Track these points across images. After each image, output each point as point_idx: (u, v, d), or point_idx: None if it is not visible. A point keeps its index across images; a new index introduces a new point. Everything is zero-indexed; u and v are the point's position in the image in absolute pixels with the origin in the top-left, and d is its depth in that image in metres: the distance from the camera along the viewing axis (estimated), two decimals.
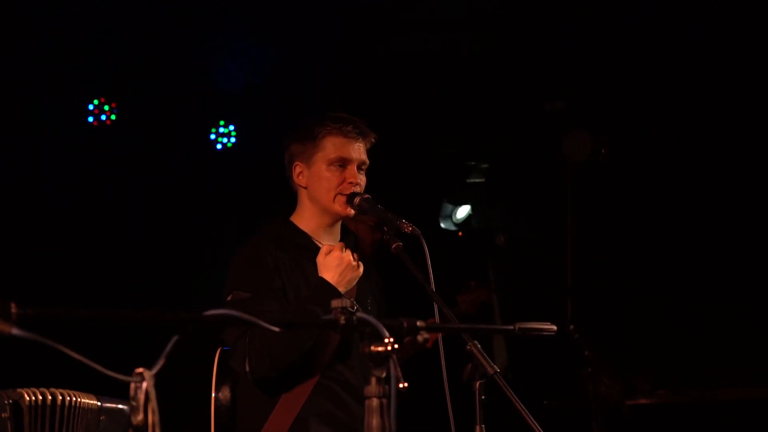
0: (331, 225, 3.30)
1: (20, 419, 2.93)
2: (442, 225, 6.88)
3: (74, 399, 3.07)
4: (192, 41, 5.57)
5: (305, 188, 3.28)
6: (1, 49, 5.30)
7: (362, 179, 3.26)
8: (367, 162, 3.28)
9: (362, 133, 3.27)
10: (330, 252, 3.08)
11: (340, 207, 3.22)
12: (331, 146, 3.24)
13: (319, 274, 3.06)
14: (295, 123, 3.38)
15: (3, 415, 2.89)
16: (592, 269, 6.50)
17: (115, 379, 1.57)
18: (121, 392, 2.91)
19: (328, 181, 3.22)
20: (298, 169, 3.29)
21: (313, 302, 2.98)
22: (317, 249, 3.23)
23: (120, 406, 3.20)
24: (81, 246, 5.75)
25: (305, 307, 3.00)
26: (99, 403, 3.14)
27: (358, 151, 3.25)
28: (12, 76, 5.42)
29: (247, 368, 3.01)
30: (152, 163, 5.96)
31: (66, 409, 3.04)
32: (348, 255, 3.06)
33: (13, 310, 1.47)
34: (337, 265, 3.05)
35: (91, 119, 5.77)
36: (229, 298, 3.09)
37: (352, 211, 3.21)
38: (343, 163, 3.23)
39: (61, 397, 3.03)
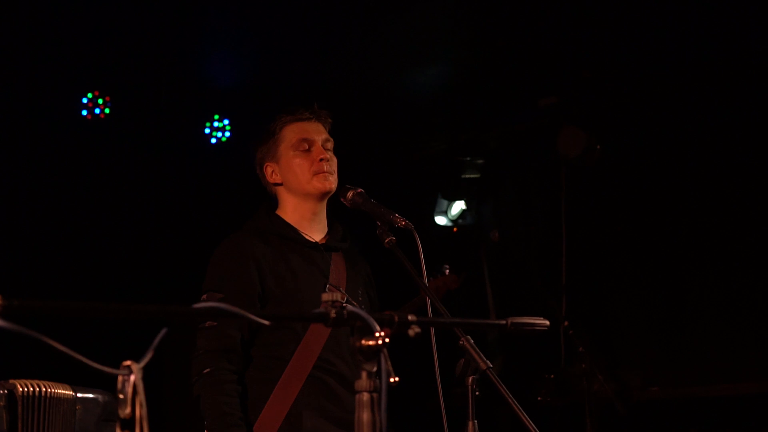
0: (316, 212, 3.30)
1: (15, 409, 2.95)
2: (437, 220, 6.88)
3: (50, 390, 3.08)
4: (187, 34, 5.55)
5: (281, 184, 3.31)
6: None
7: (332, 158, 3.28)
8: (332, 140, 3.32)
9: (315, 113, 3.34)
10: None
11: (318, 184, 3.25)
12: (291, 133, 3.29)
13: None
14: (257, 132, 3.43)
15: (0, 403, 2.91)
16: (585, 266, 6.50)
17: (102, 371, 1.55)
18: (98, 383, 2.95)
19: (299, 165, 3.26)
20: (269, 170, 3.32)
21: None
22: (303, 241, 3.24)
23: (95, 395, 3.21)
24: (73, 239, 5.73)
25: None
26: (74, 393, 3.15)
27: (318, 130, 3.31)
28: (6, 69, 5.41)
29: (193, 380, 3.10)
30: (146, 157, 5.96)
31: (44, 400, 3.05)
32: None
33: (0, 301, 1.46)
34: None
35: (84, 113, 5.76)
36: (203, 298, 3.11)
37: (333, 185, 3.23)
38: (307, 144, 3.26)
39: (38, 388, 3.04)
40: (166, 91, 5.88)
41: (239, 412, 3.06)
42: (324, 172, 3.23)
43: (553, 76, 6.03)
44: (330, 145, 3.32)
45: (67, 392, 3.13)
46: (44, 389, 3.05)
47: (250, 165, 5.85)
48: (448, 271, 5.18)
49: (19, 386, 2.98)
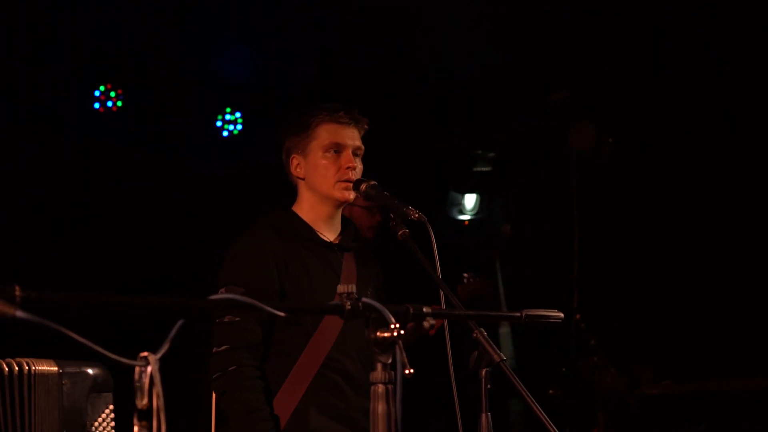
0: (332, 215, 3.29)
1: (12, 388, 2.94)
2: (451, 214, 6.87)
3: (32, 367, 3.01)
4: (199, 28, 5.56)
5: (303, 179, 3.28)
6: (7, 36, 5.29)
7: (359, 165, 3.26)
8: (362, 148, 3.29)
9: (354, 119, 3.28)
10: None
11: (339, 193, 3.21)
12: (325, 133, 3.24)
13: None
14: (288, 116, 3.39)
15: None
16: (596, 260, 6.49)
17: (119, 362, 1.56)
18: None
19: (325, 168, 3.22)
20: (295, 162, 3.29)
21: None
22: (318, 240, 3.23)
23: (83, 369, 3.13)
24: (86, 232, 5.75)
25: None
26: (58, 369, 3.07)
27: (352, 136, 3.26)
28: (18, 62, 5.42)
29: (213, 377, 3.07)
30: (158, 150, 5.96)
31: (25, 378, 2.99)
32: None
33: (18, 293, 1.47)
34: None
35: (97, 105, 5.77)
36: (222, 291, 3.09)
37: (352, 196, 3.21)
38: (338, 149, 3.23)
39: (25, 367, 2.99)
40: (177, 84, 5.88)
41: (267, 407, 3.05)
42: (348, 181, 3.21)
43: (565, 70, 6.02)
44: (360, 152, 3.28)
45: (51, 368, 3.06)
46: (25, 367, 2.99)
47: (261, 158, 5.86)
48: (471, 278, 5.12)
49: (15, 365, 2.94)
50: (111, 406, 3.14)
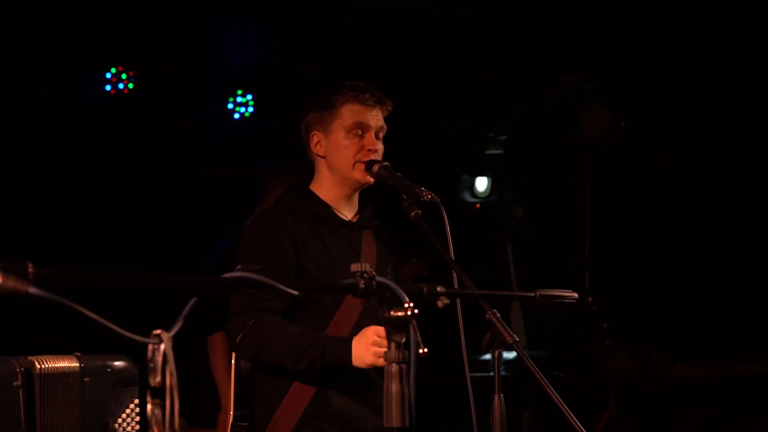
0: (351, 194, 3.27)
1: (31, 388, 2.86)
2: (461, 197, 6.86)
3: (53, 364, 2.94)
4: (210, 9, 5.54)
5: (323, 157, 3.25)
6: (18, 19, 5.29)
7: (380, 146, 3.24)
8: (385, 129, 3.26)
9: (379, 101, 3.24)
10: (375, 340, 2.98)
11: (359, 174, 3.19)
12: (349, 113, 3.21)
13: (354, 339, 3.00)
14: (311, 93, 3.36)
15: (14, 383, 2.82)
16: (608, 242, 6.48)
17: (132, 340, 1.55)
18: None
19: (346, 148, 3.19)
20: (315, 139, 3.26)
21: (324, 342, 2.96)
22: (336, 219, 3.21)
23: (107, 362, 3.08)
24: (99, 213, 5.76)
25: (312, 338, 2.98)
26: (80, 365, 3.00)
27: (376, 118, 3.23)
28: (29, 44, 5.42)
29: (237, 340, 3.02)
30: (170, 132, 5.95)
31: (47, 378, 2.92)
32: (379, 361, 2.95)
33: (30, 269, 1.47)
34: (364, 356, 2.98)
35: (108, 87, 5.76)
36: (237, 268, 3.06)
37: (372, 179, 3.19)
38: (361, 130, 3.20)
39: (45, 364, 2.92)
40: (189, 66, 5.87)
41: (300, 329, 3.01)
42: (365, 163, 3.19)
43: (577, 53, 5.99)
44: (382, 134, 3.25)
45: (71, 365, 2.99)
46: (44, 364, 2.91)
47: (273, 140, 5.85)
48: (414, 259, 5.21)
49: (37, 363, 2.86)
50: (136, 400, 3.10)
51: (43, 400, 2.89)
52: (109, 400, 3.06)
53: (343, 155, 3.19)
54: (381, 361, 2.64)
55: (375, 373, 3.08)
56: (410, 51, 5.93)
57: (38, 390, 2.88)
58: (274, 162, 4.83)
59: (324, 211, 3.22)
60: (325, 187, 3.26)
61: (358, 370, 3.00)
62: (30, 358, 2.90)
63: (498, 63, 6.10)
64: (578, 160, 6.47)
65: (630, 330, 6.18)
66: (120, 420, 3.08)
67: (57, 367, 2.94)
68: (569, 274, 6.51)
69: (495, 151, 6.81)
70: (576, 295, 2.40)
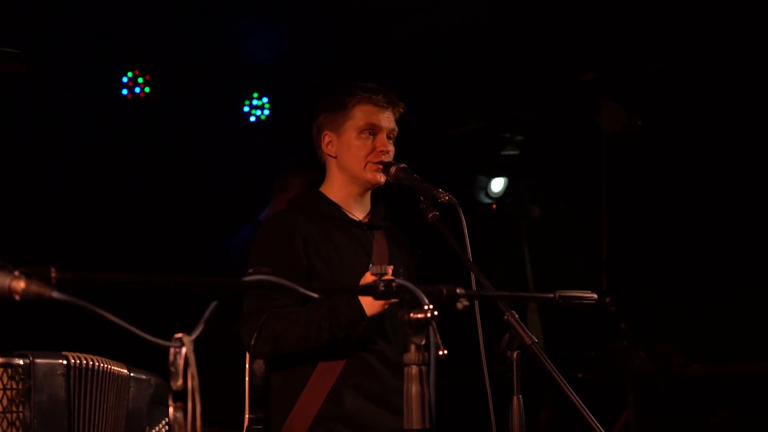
0: (361, 194, 3.28)
1: (69, 379, 3.02)
2: (477, 198, 6.85)
3: (107, 366, 3.14)
4: (226, 12, 5.55)
5: (335, 158, 3.27)
6: (34, 23, 5.31)
7: (391, 148, 3.25)
8: (397, 130, 3.27)
9: (392, 102, 3.26)
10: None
11: (370, 175, 3.20)
12: (361, 114, 3.23)
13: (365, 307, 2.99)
14: (324, 93, 3.37)
15: (59, 372, 2.97)
16: (626, 242, 6.46)
17: (154, 343, 1.56)
18: (147, 362, 2.98)
19: (358, 149, 3.21)
20: (327, 139, 3.27)
21: (334, 307, 2.97)
22: (347, 219, 3.22)
23: (147, 376, 3.27)
24: (115, 217, 5.78)
25: (328, 305, 2.99)
26: (128, 372, 3.21)
27: (388, 119, 3.24)
28: (46, 49, 5.44)
29: (252, 342, 3.03)
30: (186, 136, 5.97)
31: (100, 374, 3.11)
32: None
33: (53, 274, 1.48)
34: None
35: (125, 92, 5.78)
36: (249, 272, 3.07)
37: (383, 179, 3.20)
38: (373, 131, 3.21)
39: (94, 363, 3.11)
40: (205, 69, 5.89)
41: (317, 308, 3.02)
42: (380, 163, 3.19)
43: (594, 51, 5.97)
44: (394, 134, 3.27)
45: (122, 370, 3.19)
46: (99, 364, 3.11)
47: (289, 143, 5.87)
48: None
49: (71, 358, 3.04)
50: (167, 419, 3.22)
51: (96, 395, 3.09)
52: (147, 412, 3.25)
53: (354, 155, 3.21)
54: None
55: (389, 373, 3.09)
56: (426, 51, 5.93)
57: (93, 385, 3.09)
58: (292, 159, 4.86)
59: (334, 211, 3.23)
60: (336, 188, 3.27)
61: (370, 368, 3.02)
62: (90, 356, 3.11)
63: (514, 63, 6.09)
64: (595, 159, 6.45)
65: (649, 330, 6.17)
66: (155, 431, 3.20)
67: (112, 369, 3.16)
68: (586, 274, 6.49)
69: (511, 152, 6.80)
70: (595, 295, 2.39)
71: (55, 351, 3.06)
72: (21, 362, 2.90)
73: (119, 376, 3.16)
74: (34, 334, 3.98)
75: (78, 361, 3.05)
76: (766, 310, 5.93)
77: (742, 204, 6.04)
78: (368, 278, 2.81)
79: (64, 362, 3.01)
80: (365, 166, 3.20)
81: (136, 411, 3.21)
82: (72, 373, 3.02)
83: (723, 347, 6.03)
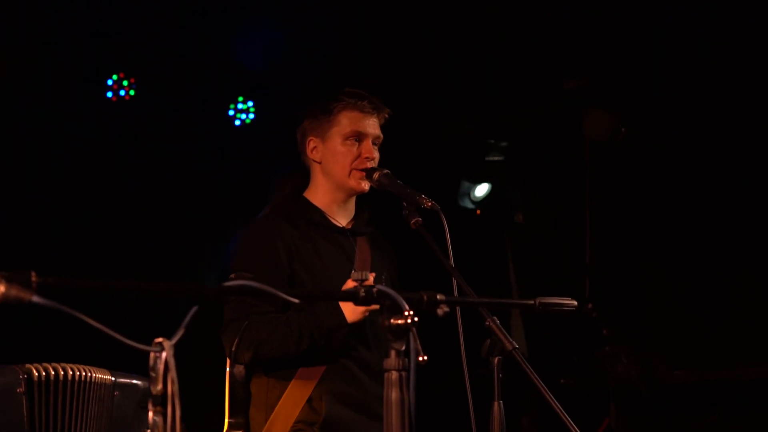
0: (345, 201, 3.29)
1: (32, 395, 2.91)
2: (461, 203, 6.86)
3: (86, 374, 3.06)
4: (211, 16, 5.55)
5: (319, 163, 3.27)
6: (19, 24, 5.30)
7: (376, 154, 3.25)
8: (382, 137, 3.28)
9: (377, 108, 3.26)
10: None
11: (354, 182, 3.21)
12: (347, 121, 3.23)
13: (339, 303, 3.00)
14: (308, 98, 3.37)
15: (18, 390, 2.88)
16: (610, 248, 6.48)
17: (134, 348, 1.56)
18: (135, 366, 2.93)
19: (343, 156, 3.21)
20: (312, 144, 3.27)
21: (315, 314, 2.97)
22: (330, 225, 3.22)
23: (134, 381, 3.19)
24: (98, 222, 5.76)
25: (307, 311, 2.99)
26: (113, 378, 3.14)
27: (373, 126, 3.25)
28: (30, 51, 5.42)
29: (233, 348, 3.02)
30: (171, 139, 5.97)
31: (77, 384, 3.02)
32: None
33: (33, 278, 1.48)
34: (355, 306, 2.98)
35: (110, 95, 5.77)
36: (231, 277, 3.07)
37: (367, 186, 3.20)
38: (358, 137, 3.22)
39: (72, 372, 3.02)
40: (190, 73, 5.88)
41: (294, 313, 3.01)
42: (365, 170, 3.19)
43: (578, 58, 5.99)
44: (379, 141, 3.27)
45: (105, 377, 3.11)
46: (75, 372, 3.02)
47: (274, 147, 5.86)
48: None
49: (34, 371, 2.93)
50: None
51: (77, 406, 3.00)
52: (134, 417, 3.16)
53: (340, 162, 3.21)
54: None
55: (368, 378, 3.09)
56: (411, 56, 5.94)
57: (73, 397, 3.00)
58: (291, 164, 4.86)
59: (317, 217, 3.23)
60: (320, 193, 3.27)
61: (349, 374, 3.02)
62: (69, 365, 3.01)
63: (498, 68, 6.10)
64: (580, 165, 6.47)
65: (633, 336, 6.18)
66: None
67: (93, 377, 3.06)
68: (570, 280, 6.51)
69: (495, 158, 6.82)
70: (575, 302, 2.41)
71: (24, 363, 2.95)
72: None
73: (101, 384, 3.09)
74: (19, 343, 3.96)
75: (44, 374, 2.94)
76: (752, 315, 5.96)
77: (729, 209, 6.06)
78: (350, 285, 2.81)
79: (24, 377, 2.89)
80: (350, 173, 3.20)
81: (121, 418, 3.14)
82: (35, 389, 2.91)
83: (707, 353, 6.05)
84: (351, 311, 2.95)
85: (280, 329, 3.00)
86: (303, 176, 3.40)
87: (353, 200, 3.32)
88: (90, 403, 3.05)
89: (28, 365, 2.95)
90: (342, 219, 3.28)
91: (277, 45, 5.81)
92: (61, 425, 2.98)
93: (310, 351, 3.00)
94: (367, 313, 2.94)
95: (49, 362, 3.02)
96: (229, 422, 3.17)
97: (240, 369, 3.20)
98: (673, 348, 6.13)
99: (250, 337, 3.00)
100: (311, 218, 3.22)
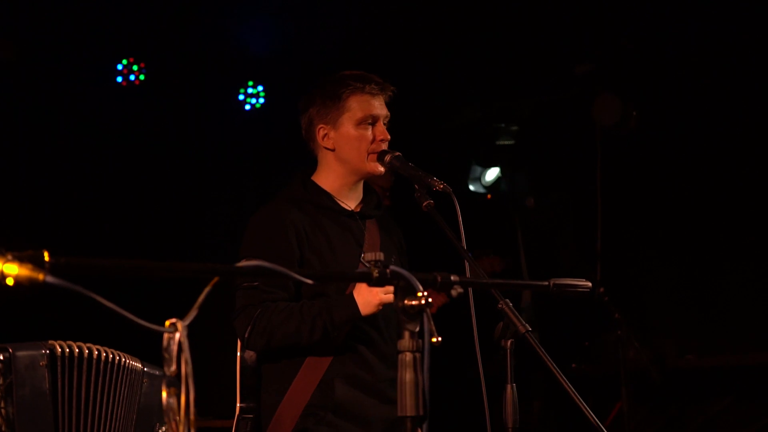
0: (356, 184, 3.27)
1: (54, 369, 2.96)
2: (471, 187, 6.85)
3: (116, 357, 3.11)
4: (221, 1, 5.54)
5: (332, 150, 3.24)
6: (29, 11, 5.30)
7: (388, 135, 3.24)
8: (389, 115, 3.25)
9: (383, 88, 3.23)
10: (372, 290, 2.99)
11: (371, 165, 3.18)
12: (357, 105, 3.19)
13: (354, 292, 2.99)
14: (314, 86, 3.33)
15: (42, 363, 2.92)
16: (620, 233, 6.46)
17: (148, 329, 1.56)
18: (147, 351, 2.96)
19: (359, 140, 3.18)
20: (322, 132, 3.23)
21: (329, 305, 2.97)
22: (339, 209, 3.20)
23: (159, 372, 3.22)
24: (109, 205, 5.77)
25: (319, 304, 2.99)
26: (142, 367, 3.20)
27: (382, 106, 3.22)
28: (41, 36, 5.42)
29: (246, 335, 3.02)
30: (181, 124, 5.96)
31: (104, 364, 3.07)
32: (386, 297, 2.96)
33: (47, 258, 1.47)
34: (370, 299, 2.98)
35: (119, 79, 5.77)
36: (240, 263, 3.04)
37: (383, 169, 3.18)
38: (371, 120, 3.19)
39: (98, 352, 3.06)
40: (200, 57, 5.88)
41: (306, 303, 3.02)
42: (377, 153, 3.18)
43: (589, 43, 5.97)
44: (388, 120, 3.25)
45: (136, 364, 3.18)
46: (96, 353, 3.07)
47: (283, 131, 5.86)
48: (492, 255, 5.23)
49: (57, 347, 2.98)
50: None
51: (110, 388, 3.08)
52: (157, 409, 3.18)
53: (356, 148, 3.17)
54: (388, 297, 2.80)
55: (379, 362, 3.08)
56: (422, 41, 5.92)
57: (109, 378, 3.07)
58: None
59: (326, 201, 3.21)
60: (330, 178, 3.24)
61: (360, 357, 3.01)
62: (107, 348, 3.09)
63: (509, 53, 6.08)
64: (590, 150, 6.45)
65: (643, 321, 6.18)
66: (165, 428, 3.14)
67: (127, 363, 3.14)
68: (581, 264, 6.50)
69: (506, 142, 6.80)
70: (590, 284, 2.39)
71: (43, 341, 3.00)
72: (1, 357, 2.84)
73: (133, 369, 3.15)
74: (49, 326, 3.96)
75: (67, 350, 2.99)
76: (760, 301, 5.94)
77: (737, 196, 6.05)
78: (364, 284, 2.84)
79: (47, 352, 2.95)
80: (367, 157, 3.18)
81: (147, 407, 3.19)
82: (58, 363, 2.96)
83: (717, 338, 6.04)
84: (365, 304, 2.93)
85: (294, 318, 2.99)
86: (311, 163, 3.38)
87: (362, 183, 3.30)
88: (120, 385, 3.11)
89: (51, 341, 3.01)
90: (351, 202, 3.26)
91: (286, 29, 5.80)
92: (86, 401, 3.02)
93: (322, 340, 3.00)
94: (381, 306, 2.93)
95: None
96: (240, 407, 3.16)
97: (251, 354, 3.19)
98: (683, 333, 6.12)
99: (264, 324, 2.99)
100: (320, 202, 3.20)
